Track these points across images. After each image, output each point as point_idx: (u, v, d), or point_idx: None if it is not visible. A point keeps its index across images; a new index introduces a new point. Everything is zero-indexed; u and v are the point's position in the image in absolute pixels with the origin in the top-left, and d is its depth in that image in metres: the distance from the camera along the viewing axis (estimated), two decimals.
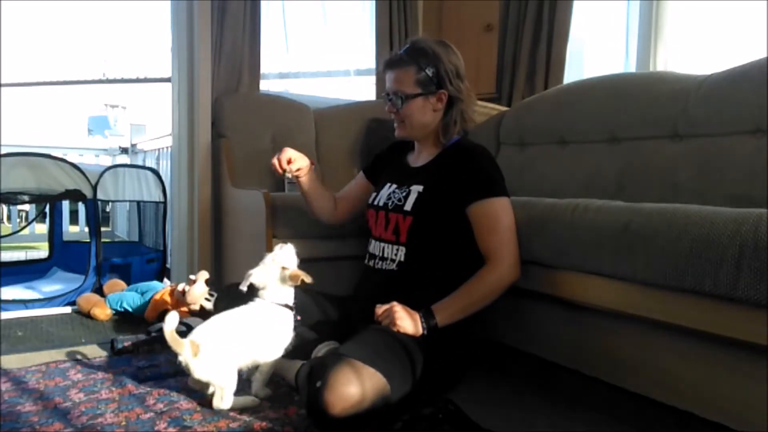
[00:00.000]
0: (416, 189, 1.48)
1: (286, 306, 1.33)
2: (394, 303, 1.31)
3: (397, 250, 1.48)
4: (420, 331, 1.30)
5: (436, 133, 1.53)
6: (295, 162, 1.58)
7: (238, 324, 1.28)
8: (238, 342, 1.26)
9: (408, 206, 1.47)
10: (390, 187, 1.57)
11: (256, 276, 1.33)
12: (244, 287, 1.31)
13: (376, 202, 1.58)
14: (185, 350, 1.20)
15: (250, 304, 1.32)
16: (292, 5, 3.00)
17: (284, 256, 1.36)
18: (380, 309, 1.32)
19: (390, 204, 1.52)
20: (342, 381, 1.09)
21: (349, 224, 1.79)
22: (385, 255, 1.50)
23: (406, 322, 1.29)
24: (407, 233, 1.46)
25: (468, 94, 1.52)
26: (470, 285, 1.37)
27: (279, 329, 1.31)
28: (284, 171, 1.56)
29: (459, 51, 1.53)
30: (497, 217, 1.41)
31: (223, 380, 1.23)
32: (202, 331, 1.25)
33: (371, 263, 1.54)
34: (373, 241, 1.57)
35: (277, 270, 1.33)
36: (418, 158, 1.59)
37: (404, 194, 1.50)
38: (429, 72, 1.46)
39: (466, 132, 1.57)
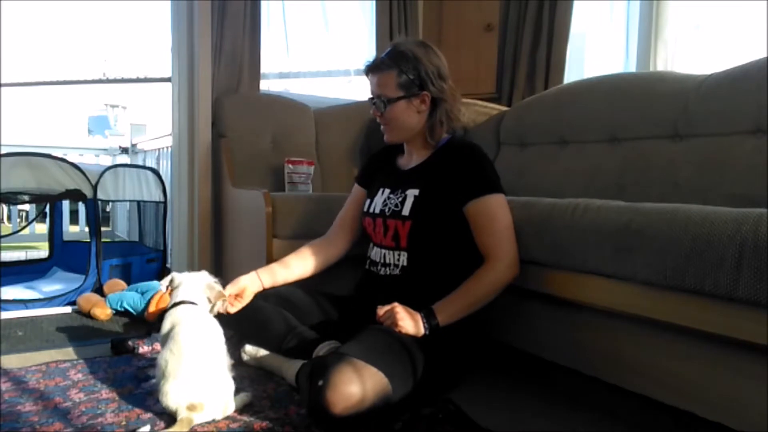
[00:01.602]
0: (412, 193, 1.48)
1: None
2: (396, 304, 1.31)
3: (399, 255, 1.48)
4: (422, 331, 1.30)
5: (423, 135, 1.53)
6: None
7: (201, 345, 1.23)
8: (216, 360, 1.23)
9: (405, 211, 1.46)
10: (384, 192, 1.56)
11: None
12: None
13: (371, 210, 1.57)
14: (196, 417, 1.15)
15: (185, 319, 1.27)
16: (292, 5, 3.00)
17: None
18: (381, 310, 1.32)
19: (387, 210, 1.51)
20: (344, 380, 1.10)
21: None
22: (387, 261, 1.50)
23: (408, 322, 1.29)
24: (407, 238, 1.46)
25: (452, 93, 1.51)
26: (470, 284, 1.37)
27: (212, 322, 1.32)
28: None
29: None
30: (493, 214, 1.41)
31: (229, 396, 1.22)
32: (187, 386, 1.15)
33: (373, 269, 1.54)
34: (374, 248, 1.56)
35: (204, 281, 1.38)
36: (410, 161, 1.59)
37: (400, 199, 1.49)
38: (410, 75, 1.46)
39: (455, 131, 1.57)
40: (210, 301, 1.37)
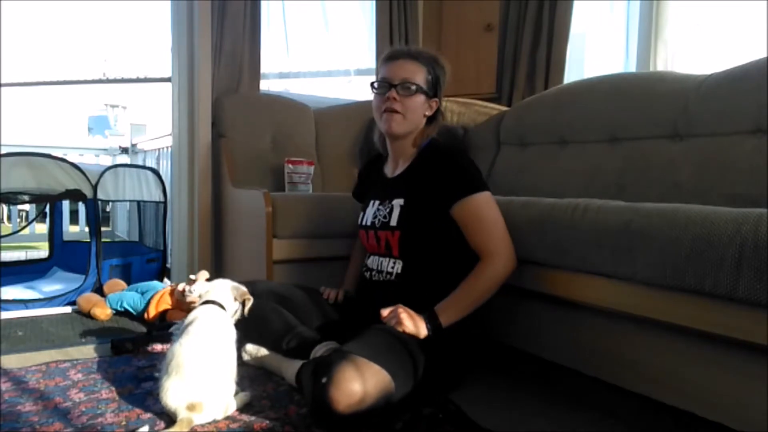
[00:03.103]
0: (398, 203, 1.49)
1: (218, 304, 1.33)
2: (399, 305, 1.32)
3: (394, 263, 1.49)
4: (425, 332, 1.30)
5: (415, 138, 1.54)
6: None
7: (209, 346, 1.22)
8: (222, 362, 1.22)
9: (393, 222, 1.47)
10: (374, 204, 1.57)
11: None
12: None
13: (364, 222, 1.59)
14: (196, 418, 1.14)
15: (203, 318, 1.27)
16: (292, 5, 3.00)
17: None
18: (386, 311, 1.33)
19: (377, 222, 1.53)
20: (347, 377, 1.10)
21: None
22: (382, 268, 1.51)
23: (410, 323, 1.29)
24: (398, 247, 1.47)
25: (443, 113, 1.60)
26: (468, 283, 1.37)
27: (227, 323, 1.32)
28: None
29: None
30: (481, 212, 1.41)
31: (229, 398, 1.22)
32: (187, 386, 1.14)
33: (368, 275, 1.56)
34: (370, 256, 1.58)
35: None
36: (395, 167, 1.59)
37: (388, 210, 1.50)
38: (433, 78, 1.51)
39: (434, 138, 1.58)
40: (236, 299, 1.36)
